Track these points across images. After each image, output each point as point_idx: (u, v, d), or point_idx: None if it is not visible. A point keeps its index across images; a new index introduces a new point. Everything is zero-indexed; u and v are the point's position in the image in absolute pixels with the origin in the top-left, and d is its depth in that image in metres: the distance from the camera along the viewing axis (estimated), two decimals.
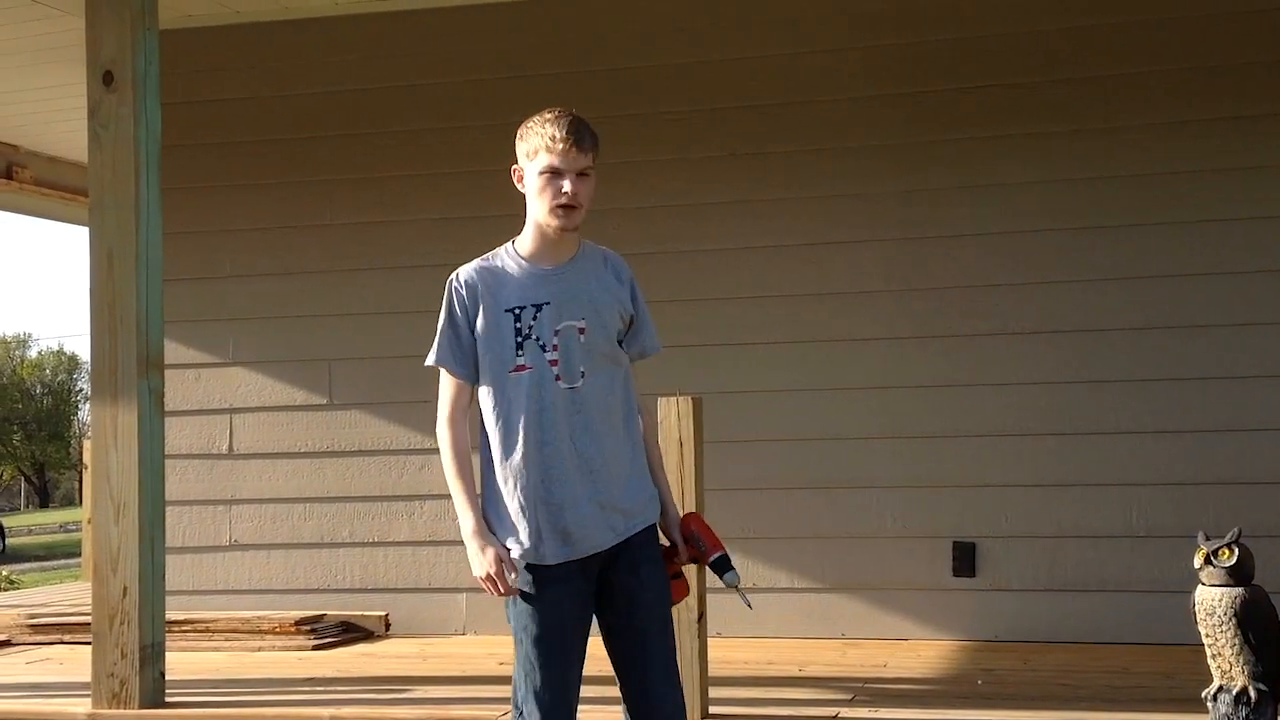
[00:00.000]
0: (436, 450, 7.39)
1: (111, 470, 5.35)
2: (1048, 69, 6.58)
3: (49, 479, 54.47)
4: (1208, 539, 4.41)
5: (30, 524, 38.29)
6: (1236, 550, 4.36)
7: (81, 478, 15.23)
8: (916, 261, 6.69)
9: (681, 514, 3.42)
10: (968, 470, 6.57)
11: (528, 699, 3.18)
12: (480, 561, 3.20)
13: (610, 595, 3.24)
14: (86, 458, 9.32)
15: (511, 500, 3.21)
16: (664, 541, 3.37)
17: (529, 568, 3.21)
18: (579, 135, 3.22)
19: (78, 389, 54.54)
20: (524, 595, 3.21)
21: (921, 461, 6.61)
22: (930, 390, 6.63)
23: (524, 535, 3.19)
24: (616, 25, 7.04)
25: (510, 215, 6.99)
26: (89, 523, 8.59)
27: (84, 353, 46.43)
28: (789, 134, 6.83)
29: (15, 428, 52.09)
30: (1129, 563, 6.40)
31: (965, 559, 6.54)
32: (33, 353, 56.81)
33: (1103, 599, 6.42)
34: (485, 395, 3.26)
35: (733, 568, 3.30)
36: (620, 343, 3.31)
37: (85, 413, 49.95)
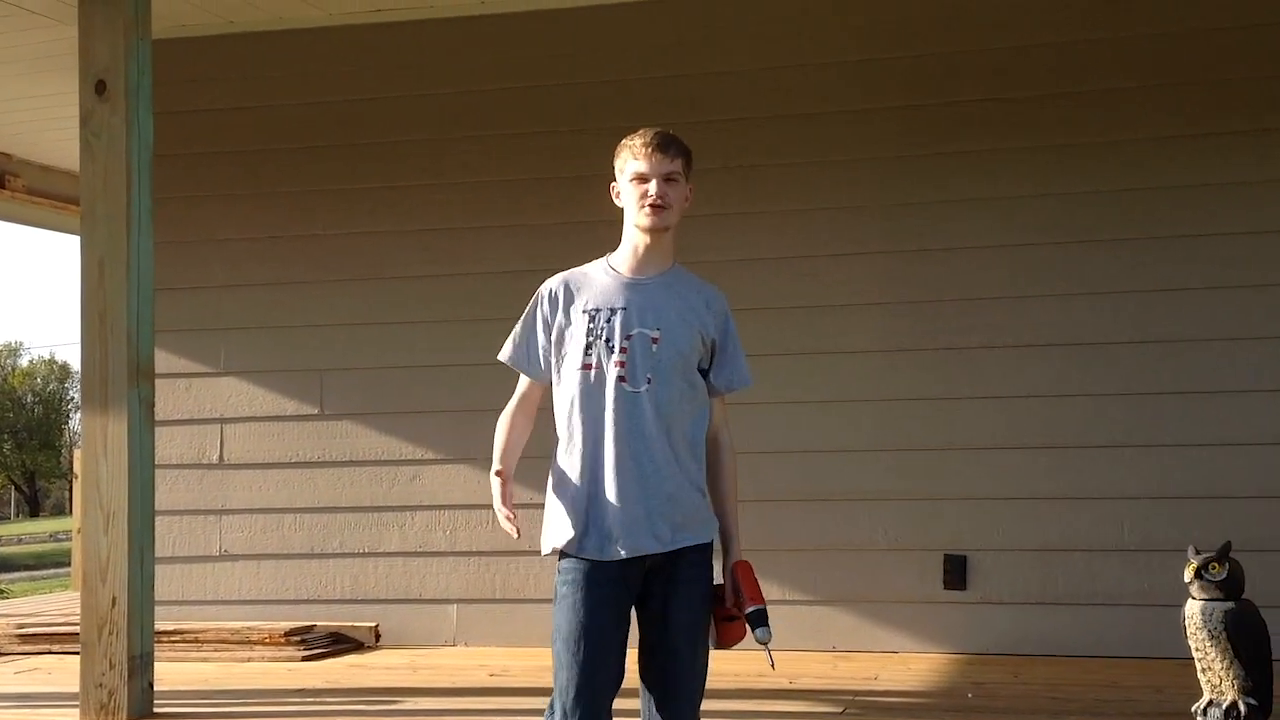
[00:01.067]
0: (427, 461, 7.39)
1: (101, 479, 5.33)
2: (1041, 83, 6.59)
3: (39, 488, 54.31)
4: (1198, 553, 4.42)
5: (20, 533, 38.12)
6: (1227, 564, 4.37)
7: (72, 487, 15.20)
8: (909, 274, 6.69)
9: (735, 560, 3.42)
10: (959, 483, 6.57)
11: (555, 698, 3.24)
12: (493, 493, 3.33)
13: (648, 608, 3.29)
14: (77, 467, 9.28)
15: (566, 493, 3.31)
16: (718, 580, 3.36)
17: (574, 561, 3.26)
18: (663, 141, 3.36)
19: (69, 398, 54.41)
20: (560, 597, 3.26)
21: (913, 474, 6.61)
22: (922, 403, 6.64)
23: (571, 527, 3.27)
24: (608, 38, 7.04)
25: (505, 226, 7.09)
26: (78, 532, 8.54)
27: (75, 362, 46.31)
28: (782, 147, 6.83)
29: (6, 436, 51.95)
30: (1120, 576, 6.40)
31: (956, 572, 6.54)
32: (24, 361, 56.80)
33: (1093, 612, 6.42)
34: (557, 392, 3.39)
35: (766, 624, 3.27)
36: (706, 373, 3.39)
37: (76, 422, 49.81)
